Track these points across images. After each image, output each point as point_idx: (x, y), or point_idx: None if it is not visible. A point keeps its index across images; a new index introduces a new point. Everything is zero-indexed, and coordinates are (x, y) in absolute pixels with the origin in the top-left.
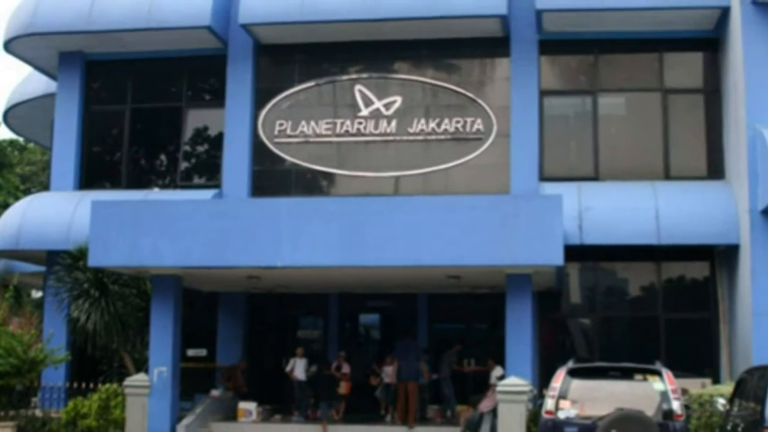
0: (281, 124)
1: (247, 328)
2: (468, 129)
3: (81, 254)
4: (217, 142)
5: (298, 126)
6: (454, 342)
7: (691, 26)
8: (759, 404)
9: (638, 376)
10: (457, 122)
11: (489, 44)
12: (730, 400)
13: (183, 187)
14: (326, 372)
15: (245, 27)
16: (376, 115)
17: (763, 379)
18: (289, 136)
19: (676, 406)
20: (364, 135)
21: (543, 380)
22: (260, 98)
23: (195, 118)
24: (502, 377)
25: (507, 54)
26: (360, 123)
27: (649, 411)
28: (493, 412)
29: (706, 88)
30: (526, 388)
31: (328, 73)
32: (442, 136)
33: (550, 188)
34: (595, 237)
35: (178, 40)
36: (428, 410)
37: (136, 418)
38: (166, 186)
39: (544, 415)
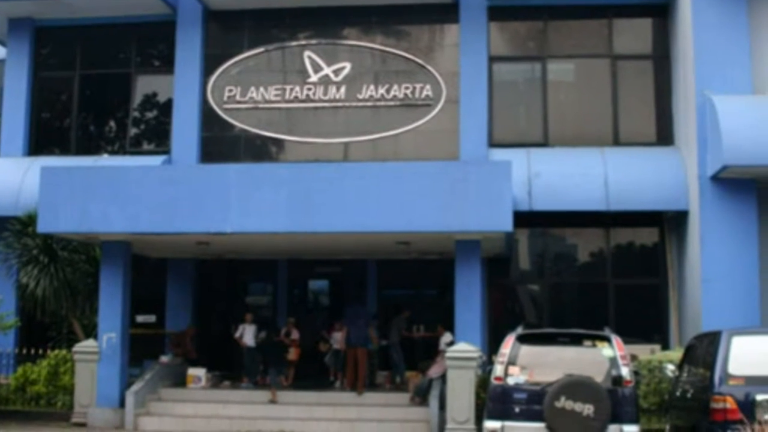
0: (230, 90)
1: (196, 294)
2: (417, 95)
3: (30, 220)
4: (166, 108)
5: (248, 92)
6: (403, 308)
7: None
8: (708, 370)
9: (587, 343)
10: (406, 88)
11: (438, 10)
12: (680, 367)
13: (132, 153)
14: (275, 338)
15: None
16: (326, 81)
17: (712, 345)
18: (239, 102)
19: (625, 372)
20: (313, 101)
21: (492, 346)
22: (209, 64)
23: (144, 84)
24: (451, 343)
25: (456, 20)
26: (309, 89)
27: (598, 377)
28: (443, 378)
29: (655, 54)
30: (476, 354)
31: (278, 39)
32: (391, 102)
33: (499, 154)
34: (544, 203)
35: (127, 5)
36: (377, 376)
37: (85, 384)
38: (115, 152)
39: (494, 381)
